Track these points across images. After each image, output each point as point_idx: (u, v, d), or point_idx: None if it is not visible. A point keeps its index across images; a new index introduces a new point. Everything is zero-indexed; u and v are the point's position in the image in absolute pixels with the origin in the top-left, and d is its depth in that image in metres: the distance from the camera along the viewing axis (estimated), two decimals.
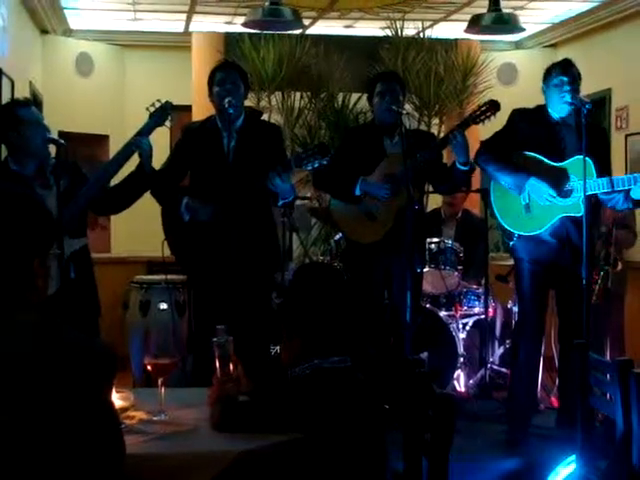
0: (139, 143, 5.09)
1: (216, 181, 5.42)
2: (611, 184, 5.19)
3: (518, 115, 5.60)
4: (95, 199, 5.00)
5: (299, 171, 7.06)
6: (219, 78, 5.59)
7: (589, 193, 5.16)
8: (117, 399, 3.13)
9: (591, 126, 5.30)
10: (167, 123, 5.29)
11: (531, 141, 5.49)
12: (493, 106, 5.75)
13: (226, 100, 5.42)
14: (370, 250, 5.96)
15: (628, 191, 5.23)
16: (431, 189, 6.45)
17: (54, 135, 5.13)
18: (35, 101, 5.41)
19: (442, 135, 8.02)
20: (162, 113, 5.21)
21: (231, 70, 5.67)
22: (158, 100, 5.27)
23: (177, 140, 5.89)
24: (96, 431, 2.04)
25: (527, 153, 5.47)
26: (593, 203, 5.35)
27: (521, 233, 5.50)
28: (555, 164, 5.40)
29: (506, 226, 5.55)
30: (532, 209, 5.43)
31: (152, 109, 5.22)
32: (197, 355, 5.46)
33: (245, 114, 5.69)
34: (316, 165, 5.36)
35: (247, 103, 8.88)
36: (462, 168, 5.79)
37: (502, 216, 5.57)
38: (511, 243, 5.60)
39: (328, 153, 5.39)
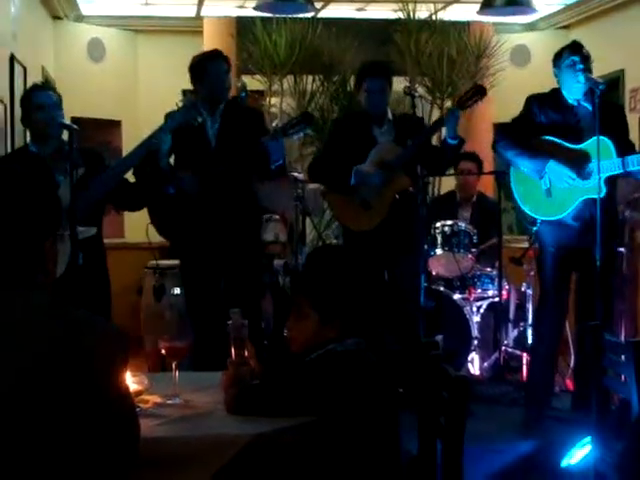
0: (160, 138, 5.08)
1: (199, 163, 5.53)
2: (623, 164, 5.18)
3: (534, 101, 5.58)
4: (114, 192, 5.01)
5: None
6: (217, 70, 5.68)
7: (605, 174, 5.17)
8: (131, 383, 3.13)
9: (607, 105, 5.30)
10: (199, 119, 5.31)
11: (549, 126, 5.48)
12: (479, 91, 5.84)
13: (240, 84, 5.53)
14: (367, 237, 5.99)
15: None
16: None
17: (67, 120, 5.14)
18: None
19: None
20: (192, 109, 5.20)
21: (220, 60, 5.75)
22: (191, 92, 5.28)
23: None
24: (111, 414, 2.05)
25: (546, 137, 5.45)
26: (610, 184, 5.34)
27: (544, 218, 5.47)
28: (575, 146, 5.38)
29: (528, 212, 5.52)
30: (553, 193, 5.41)
31: (181, 103, 5.21)
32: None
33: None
34: (301, 134, 5.71)
35: (259, 87, 8.95)
36: (453, 142, 5.91)
37: (523, 202, 5.54)
38: (534, 229, 5.57)
39: (312, 121, 5.63)
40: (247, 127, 5.69)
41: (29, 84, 7.00)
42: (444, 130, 6.10)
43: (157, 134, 5.10)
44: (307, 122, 5.61)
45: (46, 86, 5.17)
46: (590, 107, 5.35)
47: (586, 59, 5.39)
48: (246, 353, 3.28)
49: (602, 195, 5.17)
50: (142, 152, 5.09)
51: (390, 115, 6.18)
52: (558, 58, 5.49)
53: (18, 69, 7.04)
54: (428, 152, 6.07)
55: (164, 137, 5.10)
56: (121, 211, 5.44)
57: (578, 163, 5.34)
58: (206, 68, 5.62)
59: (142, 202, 5.35)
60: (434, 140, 6.74)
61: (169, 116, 5.30)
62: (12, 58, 6.86)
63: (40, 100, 4.93)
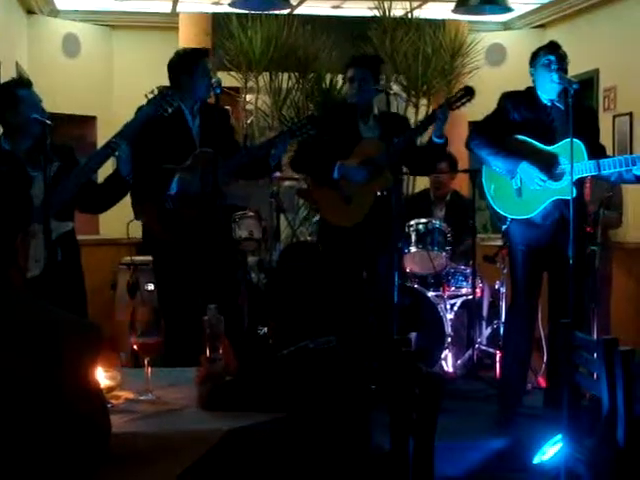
0: (116, 147, 5.03)
1: (184, 161, 5.53)
2: (598, 167, 5.22)
3: (507, 98, 5.60)
4: (79, 194, 4.98)
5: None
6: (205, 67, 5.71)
7: (577, 176, 5.20)
8: (104, 379, 3.13)
9: (580, 107, 5.32)
10: (169, 110, 5.26)
11: (522, 124, 5.50)
12: (468, 92, 5.86)
13: (214, 81, 5.52)
14: (347, 233, 5.99)
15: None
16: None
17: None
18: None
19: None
20: (161, 100, 5.17)
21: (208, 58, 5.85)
22: (157, 87, 5.27)
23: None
24: (81, 408, 2.04)
25: (518, 137, 5.47)
26: (579, 185, 5.38)
27: (513, 217, 5.50)
28: (546, 148, 5.41)
29: (498, 210, 5.54)
30: (523, 193, 5.43)
31: (150, 96, 5.18)
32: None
33: None
34: (305, 136, 5.73)
35: (235, 84, 8.93)
36: (439, 141, 5.93)
37: (494, 200, 5.56)
38: (503, 227, 5.59)
39: (318, 123, 5.76)
40: (221, 124, 5.72)
41: (3, 79, 6.96)
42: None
43: (113, 142, 5.05)
44: (314, 124, 5.73)
45: (30, 83, 5.11)
46: (563, 107, 5.38)
47: (562, 59, 5.41)
48: (220, 349, 3.28)
49: (573, 197, 5.20)
50: (99, 160, 5.06)
51: (376, 111, 6.19)
52: (534, 57, 5.52)
53: None
54: (412, 151, 6.07)
55: (122, 146, 5.03)
56: (84, 213, 5.41)
57: (549, 165, 5.37)
58: (197, 64, 5.65)
59: (106, 205, 5.33)
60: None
61: (139, 110, 5.29)
62: None
63: (29, 97, 4.90)
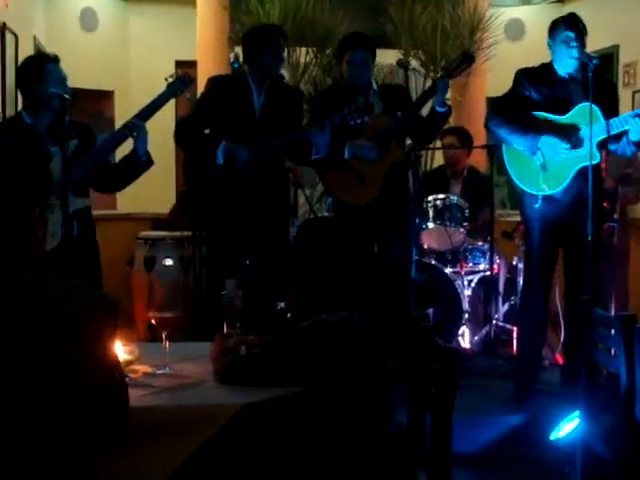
0: (134, 127, 5.06)
1: (243, 134, 5.61)
2: (607, 128, 5.17)
3: (523, 76, 5.54)
4: (94, 174, 5.01)
5: None
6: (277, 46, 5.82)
7: (597, 139, 5.17)
8: (122, 352, 3.14)
9: (599, 79, 5.27)
10: (187, 95, 5.33)
11: (539, 100, 5.45)
12: (466, 59, 5.85)
13: (232, 54, 5.57)
14: (359, 210, 5.97)
15: (628, 135, 5.23)
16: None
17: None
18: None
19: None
20: (180, 85, 5.21)
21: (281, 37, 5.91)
22: (177, 72, 5.32)
23: (204, 90, 5.97)
24: (99, 381, 2.05)
25: (536, 113, 5.43)
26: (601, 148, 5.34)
27: (545, 193, 5.42)
28: (562, 118, 5.37)
29: (526, 189, 5.46)
30: (548, 167, 5.37)
31: (170, 80, 5.21)
32: (206, 310, 5.52)
33: None
34: (358, 121, 5.64)
35: None
36: (441, 110, 5.91)
37: (521, 180, 5.49)
38: (536, 206, 5.47)
39: (372, 110, 5.68)
40: (289, 105, 5.85)
41: (20, 53, 6.98)
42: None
43: (132, 122, 5.07)
44: (367, 112, 5.64)
45: (58, 59, 5.13)
46: (581, 81, 5.33)
47: (581, 34, 5.36)
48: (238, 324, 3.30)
49: (597, 161, 5.17)
50: (117, 140, 5.10)
51: (375, 86, 6.16)
52: (554, 29, 5.45)
53: (10, 38, 7.00)
54: (416, 122, 6.05)
55: (140, 127, 5.07)
56: (99, 192, 5.44)
57: (569, 134, 5.32)
58: (269, 41, 5.73)
59: (121, 185, 5.37)
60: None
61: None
62: (3, 27, 6.81)
63: (56, 72, 4.94)
